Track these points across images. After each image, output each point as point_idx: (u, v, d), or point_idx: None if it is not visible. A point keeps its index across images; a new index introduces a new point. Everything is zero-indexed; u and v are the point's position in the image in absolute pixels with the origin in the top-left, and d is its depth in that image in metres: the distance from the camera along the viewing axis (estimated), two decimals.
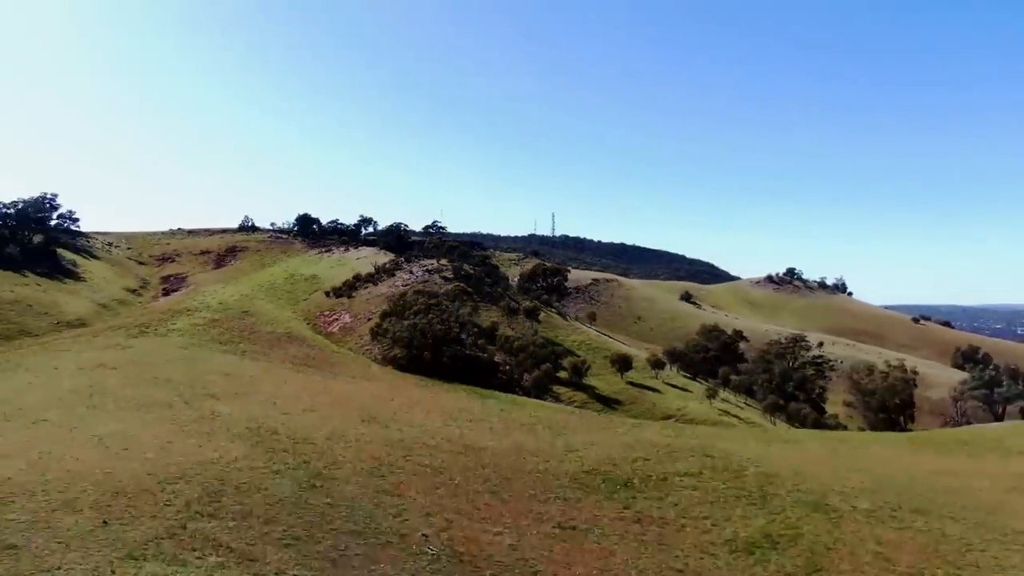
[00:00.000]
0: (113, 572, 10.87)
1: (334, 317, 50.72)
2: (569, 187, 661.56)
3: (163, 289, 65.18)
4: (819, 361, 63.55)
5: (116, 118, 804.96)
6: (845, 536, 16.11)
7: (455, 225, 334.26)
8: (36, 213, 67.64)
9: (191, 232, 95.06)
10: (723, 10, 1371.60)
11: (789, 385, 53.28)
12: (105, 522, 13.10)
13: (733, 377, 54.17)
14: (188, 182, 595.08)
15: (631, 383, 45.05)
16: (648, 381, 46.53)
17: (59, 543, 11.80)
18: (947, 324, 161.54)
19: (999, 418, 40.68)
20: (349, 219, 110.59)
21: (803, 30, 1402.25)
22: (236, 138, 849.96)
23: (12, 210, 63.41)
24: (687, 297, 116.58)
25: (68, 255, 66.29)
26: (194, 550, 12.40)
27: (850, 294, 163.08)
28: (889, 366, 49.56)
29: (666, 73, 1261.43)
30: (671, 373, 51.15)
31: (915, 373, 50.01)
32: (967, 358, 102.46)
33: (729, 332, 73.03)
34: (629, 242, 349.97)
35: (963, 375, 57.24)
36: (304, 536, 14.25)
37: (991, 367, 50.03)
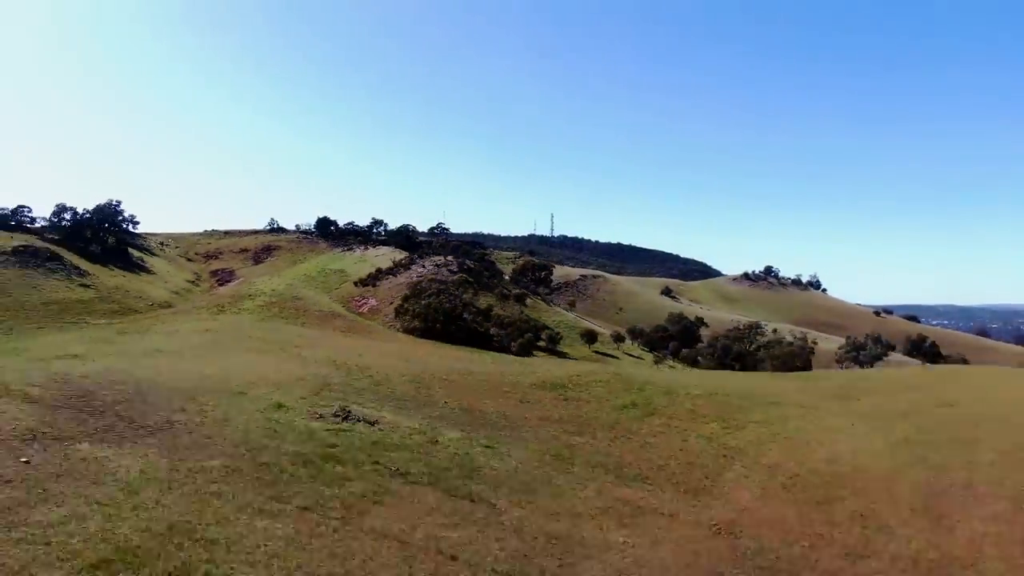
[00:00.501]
0: (305, 402, 24.23)
1: (363, 301, 63.97)
2: (568, 189, 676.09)
3: (216, 281, 78.52)
4: (770, 343, 76.44)
5: (128, 123, 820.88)
6: (675, 403, 29.38)
7: (458, 226, 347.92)
8: (108, 217, 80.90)
9: (227, 233, 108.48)
10: (722, 13, 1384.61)
11: (728, 358, 66.35)
12: (281, 405, 26.46)
13: (684, 351, 67.31)
14: (197, 185, 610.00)
15: (596, 352, 58.22)
16: (610, 351, 59.63)
17: (239, 407, 25.13)
18: (913, 319, 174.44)
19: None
20: (358, 219, 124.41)
21: (804, 31, 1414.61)
22: (242, 143, 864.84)
23: (92, 215, 76.64)
24: (667, 292, 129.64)
25: (135, 253, 79.72)
26: (338, 399, 25.78)
27: (824, 291, 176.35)
28: (795, 338, 61.97)
29: (664, 75, 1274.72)
30: (631, 346, 64.26)
31: (815, 343, 62.97)
32: (915, 346, 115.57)
33: (692, 319, 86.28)
34: (626, 242, 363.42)
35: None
36: (396, 401, 27.63)
37: (865, 336, 63.04)
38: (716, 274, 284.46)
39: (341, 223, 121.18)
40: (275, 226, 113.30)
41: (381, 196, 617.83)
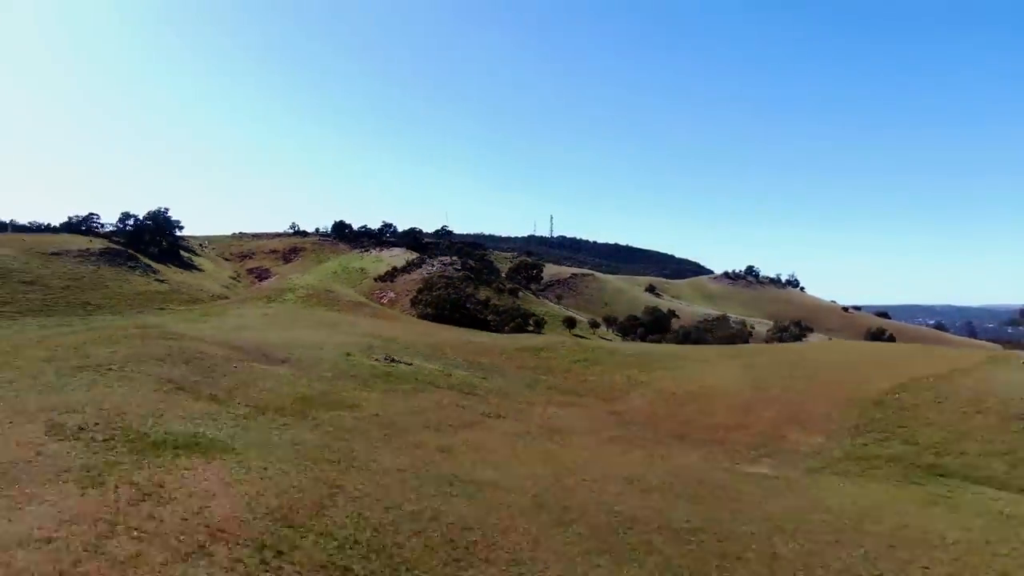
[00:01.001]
0: (362, 354, 37.63)
1: (384, 294, 77.21)
2: (568, 191, 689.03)
3: (254, 278, 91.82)
4: (717, 327, 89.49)
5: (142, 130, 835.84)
6: (613, 359, 42.61)
7: (461, 227, 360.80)
8: (160, 222, 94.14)
9: (255, 236, 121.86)
10: (719, 15, 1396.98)
11: (688, 341, 79.37)
12: (348, 354, 39.83)
13: (652, 336, 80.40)
14: (211, 190, 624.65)
15: (574, 335, 71.38)
16: (586, 335, 72.77)
17: (322, 355, 38.57)
18: (884, 315, 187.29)
19: None
20: (365, 220, 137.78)
21: (802, 33, 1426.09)
22: (250, 148, 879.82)
23: (149, 220, 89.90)
24: (651, 289, 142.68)
25: (184, 254, 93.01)
26: (383, 353, 39.17)
27: (802, 289, 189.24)
28: (734, 322, 74.85)
29: (662, 77, 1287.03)
30: (605, 331, 77.43)
31: (752, 327, 75.91)
32: (873, 336, 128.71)
33: (664, 311, 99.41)
34: (623, 243, 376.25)
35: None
36: (421, 356, 41.07)
37: (788, 322, 76.16)
38: (708, 273, 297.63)
39: (353, 225, 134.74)
40: (297, 229, 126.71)
41: (387, 197, 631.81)
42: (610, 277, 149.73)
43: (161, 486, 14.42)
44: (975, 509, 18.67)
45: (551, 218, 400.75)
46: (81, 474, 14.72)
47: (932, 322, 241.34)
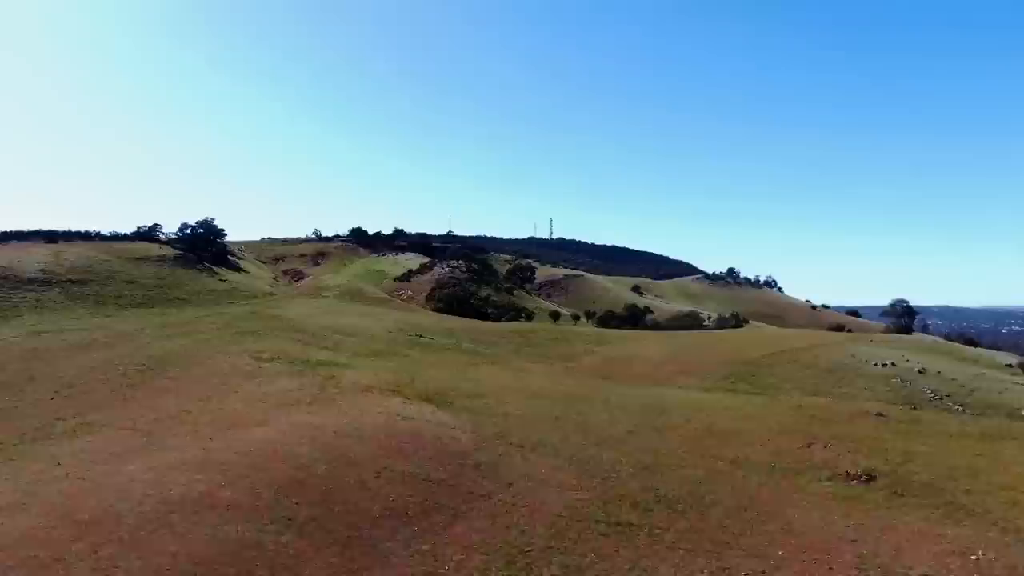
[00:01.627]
0: (400, 332, 54.67)
1: (402, 292, 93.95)
2: (567, 194, 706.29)
3: (291, 278, 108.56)
4: (675, 317, 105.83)
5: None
6: (579, 338, 59.35)
7: (465, 228, 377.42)
8: (210, 230, 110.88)
9: (284, 241, 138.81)
10: (713, 19, 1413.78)
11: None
12: (389, 331, 56.73)
13: (624, 327, 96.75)
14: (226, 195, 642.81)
15: (557, 324, 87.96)
16: (567, 325, 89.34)
17: (372, 333, 55.63)
18: (855, 314, 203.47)
19: None
20: (374, 222, 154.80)
21: (797, 36, 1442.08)
22: (261, 152, 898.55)
23: (203, 229, 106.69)
24: (636, 288, 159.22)
25: (231, 258, 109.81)
26: (412, 332, 56.18)
27: (780, 289, 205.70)
28: (684, 313, 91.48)
29: (660, 82, 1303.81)
30: (585, 323, 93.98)
31: (707, 318, 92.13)
32: (833, 330, 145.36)
33: (640, 307, 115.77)
34: (620, 244, 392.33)
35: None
36: (437, 335, 58.12)
37: (730, 313, 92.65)
38: (730, 273, 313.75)
39: (367, 230, 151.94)
40: (320, 236, 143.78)
41: (394, 199, 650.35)
42: (599, 278, 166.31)
43: (332, 376, 31.28)
44: (788, 405, 34.99)
45: (551, 220, 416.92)
46: (287, 374, 31.65)
47: (952, 326, 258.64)
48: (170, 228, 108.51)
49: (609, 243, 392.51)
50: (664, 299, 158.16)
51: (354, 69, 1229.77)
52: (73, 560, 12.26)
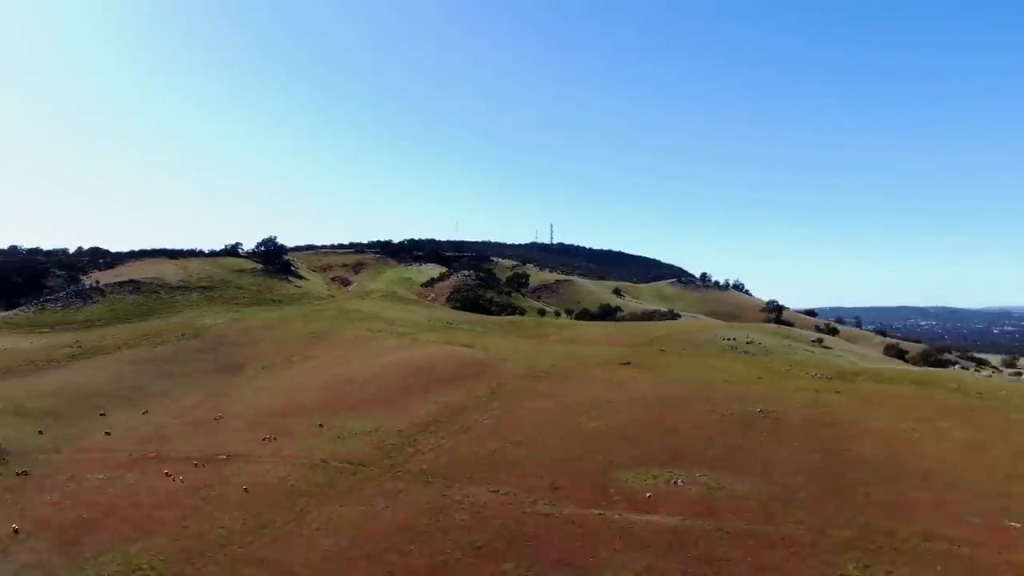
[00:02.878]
0: (435, 320, 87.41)
1: (427, 294, 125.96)
2: (567, 200, 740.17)
3: (340, 284, 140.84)
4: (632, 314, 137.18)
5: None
6: (553, 324, 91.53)
7: (471, 233, 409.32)
8: (275, 246, 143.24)
9: (326, 253, 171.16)
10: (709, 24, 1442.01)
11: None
12: (429, 320, 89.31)
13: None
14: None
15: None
16: (548, 319, 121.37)
17: (418, 321, 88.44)
18: (811, 313, 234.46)
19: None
20: (392, 231, 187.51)
21: (795, 40, 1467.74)
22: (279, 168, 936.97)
23: (272, 246, 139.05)
24: (617, 291, 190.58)
25: (292, 267, 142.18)
26: (443, 321, 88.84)
27: (747, 292, 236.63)
28: (644, 312, 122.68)
29: (657, 88, 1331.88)
30: (563, 318, 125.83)
31: (653, 312, 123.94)
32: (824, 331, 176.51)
33: (613, 306, 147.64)
34: (615, 248, 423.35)
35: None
36: (461, 324, 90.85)
37: (668, 309, 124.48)
38: (701, 276, 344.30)
39: (390, 241, 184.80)
40: (357, 248, 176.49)
41: (405, 206, 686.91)
42: (586, 281, 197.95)
43: (414, 337, 63.98)
44: (651, 350, 66.63)
45: (551, 226, 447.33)
46: (390, 336, 64.59)
47: (947, 326, 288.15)
48: (232, 240, 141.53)
49: (606, 247, 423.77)
50: (640, 300, 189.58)
51: (369, 83, 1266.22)
52: (341, 394, 44.84)
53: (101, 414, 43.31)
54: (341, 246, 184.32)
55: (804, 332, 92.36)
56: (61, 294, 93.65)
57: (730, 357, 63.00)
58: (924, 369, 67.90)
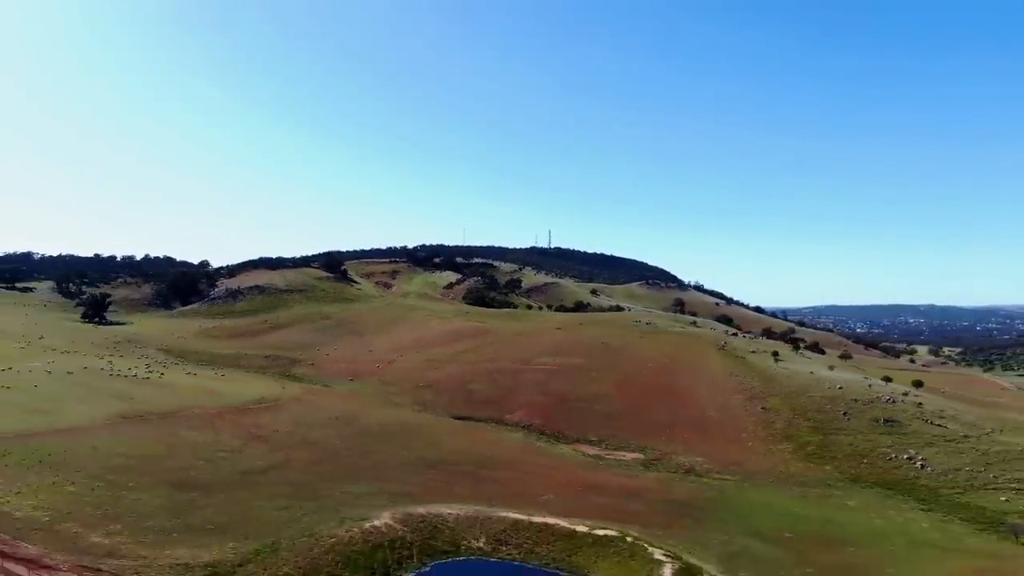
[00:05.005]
0: (462, 311, 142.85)
1: (448, 294, 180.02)
2: (566, 206, 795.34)
3: (383, 287, 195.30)
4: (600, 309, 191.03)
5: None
6: (535, 315, 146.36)
7: (476, 239, 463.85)
8: (335, 256, 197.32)
9: (367, 262, 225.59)
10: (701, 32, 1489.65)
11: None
12: (458, 311, 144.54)
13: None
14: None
15: (528, 309, 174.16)
16: (533, 311, 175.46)
17: (445, 316, 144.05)
18: (759, 310, 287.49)
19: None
20: (406, 236, 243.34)
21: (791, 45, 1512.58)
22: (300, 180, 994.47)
23: (330, 259, 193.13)
24: (594, 291, 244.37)
25: (348, 275, 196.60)
26: (466, 310, 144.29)
27: (707, 291, 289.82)
28: (611, 307, 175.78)
29: (654, 96, 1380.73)
30: (545, 311, 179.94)
31: (615, 308, 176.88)
32: (722, 319, 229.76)
33: (584, 303, 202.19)
34: (607, 252, 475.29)
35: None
36: (479, 314, 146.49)
37: (617, 305, 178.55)
38: (672, 278, 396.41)
39: (401, 244, 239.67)
40: (393, 258, 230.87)
41: (416, 214, 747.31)
42: (570, 283, 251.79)
43: (451, 319, 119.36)
44: (585, 330, 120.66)
45: (549, 233, 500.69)
46: (439, 318, 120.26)
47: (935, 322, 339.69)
48: (321, 255, 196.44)
49: (599, 251, 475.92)
50: (612, 298, 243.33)
51: (380, 97, 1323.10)
52: (420, 342, 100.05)
53: (317, 350, 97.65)
54: (377, 252, 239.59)
55: (704, 319, 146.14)
56: (219, 295, 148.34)
57: (624, 327, 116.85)
58: (686, 328, 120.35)
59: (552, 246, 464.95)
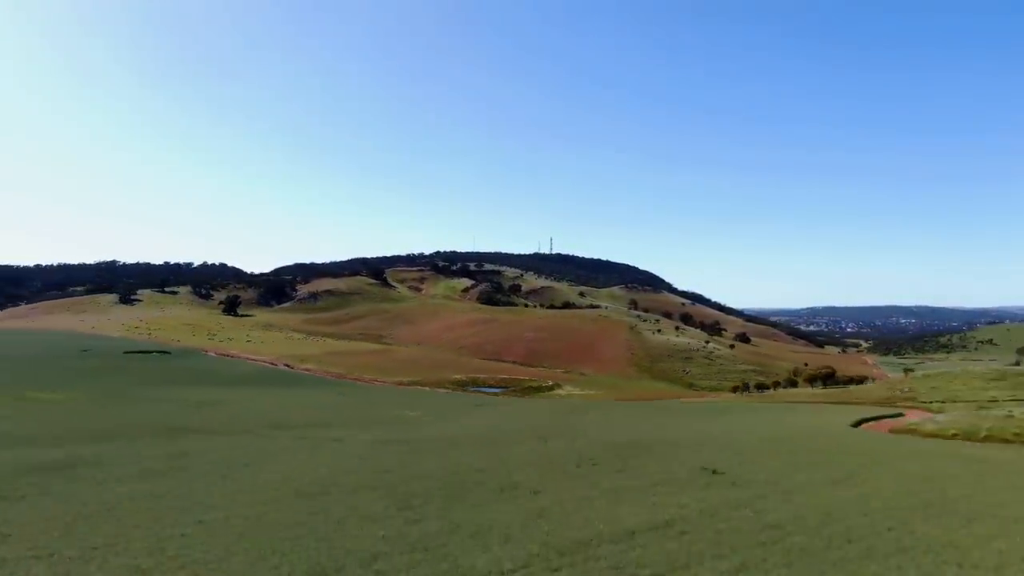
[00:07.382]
0: (477, 307, 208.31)
1: (465, 296, 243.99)
2: (566, 214, 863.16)
3: (414, 291, 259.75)
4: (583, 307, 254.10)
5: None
6: (524, 311, 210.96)
7: (482, 245, 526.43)
8: (378, 264, 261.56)
9: (399, 269, 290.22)
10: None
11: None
12: (474, 308, 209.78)
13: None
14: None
15: (527, 307, 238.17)
16: (530, 308, 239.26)
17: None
18: (721, 308, 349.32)
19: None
20: (421, 243, 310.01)
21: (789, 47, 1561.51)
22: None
23: (372, 266, 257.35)
24: (581, 293, 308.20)
25: (388, 280, 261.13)
26: (480, 304, 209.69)
27: (678, 292, 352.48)
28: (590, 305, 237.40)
29: (652, 103, 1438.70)
30: (539, 308, 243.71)
31: (602, 307, 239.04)
32: (683, 318, 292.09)
33: (571, 302, 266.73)
34: (604, 257, 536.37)
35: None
36: (493, 308, 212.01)
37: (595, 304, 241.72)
38: (660, 281, 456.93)
39: (417, 251, 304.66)
40: (420, 267, 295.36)
41: (430, 224, 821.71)
42: (563, 286, 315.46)
43: (469, 313, 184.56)
44: (565, 320, 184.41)
45: (551, 239, 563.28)
46: (465, 313, 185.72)
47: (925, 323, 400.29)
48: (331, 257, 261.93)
49: (596, 256, 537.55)
50: (595, 299, 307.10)
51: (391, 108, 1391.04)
52: (457, 324, 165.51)
53: (391, 330, 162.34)
54: (399, 258, 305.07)
55: (652, 315, 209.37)
56: (303, 296, 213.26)
57: (582, 317, 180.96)
58: (621, 317, 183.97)
59: (553, 252, 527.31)
